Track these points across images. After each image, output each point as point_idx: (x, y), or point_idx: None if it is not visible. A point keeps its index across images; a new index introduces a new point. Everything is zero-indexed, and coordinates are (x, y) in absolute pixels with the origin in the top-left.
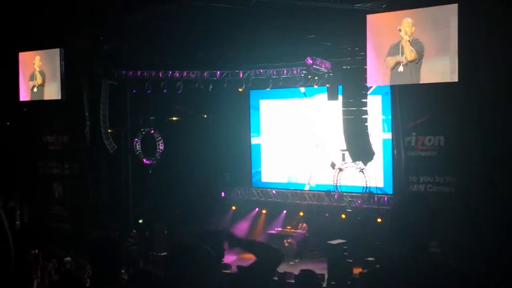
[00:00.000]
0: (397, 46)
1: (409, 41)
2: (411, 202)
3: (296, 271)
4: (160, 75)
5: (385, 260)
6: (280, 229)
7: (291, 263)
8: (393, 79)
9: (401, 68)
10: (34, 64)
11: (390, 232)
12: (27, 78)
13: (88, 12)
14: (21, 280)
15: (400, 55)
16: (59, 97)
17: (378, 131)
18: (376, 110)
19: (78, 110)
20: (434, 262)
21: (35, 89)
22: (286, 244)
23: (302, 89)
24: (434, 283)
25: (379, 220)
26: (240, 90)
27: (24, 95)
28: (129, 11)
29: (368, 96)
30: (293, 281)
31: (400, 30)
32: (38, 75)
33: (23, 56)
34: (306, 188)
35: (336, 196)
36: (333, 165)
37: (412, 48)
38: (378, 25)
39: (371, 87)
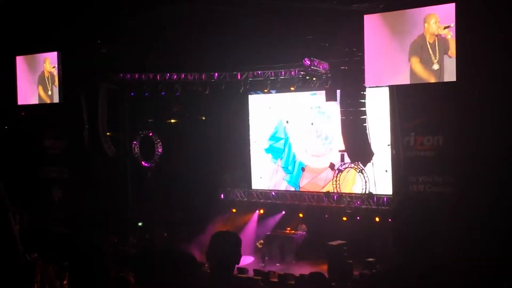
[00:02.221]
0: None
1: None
2: (410, 202)
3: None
4: (158, 77)
5: (386, 261)
6: (279, 230)
7: (261, 264)
8: (412, 78)
9: (435, 66)
10: (45, 69)
11: (393, 234)
12: (31, 81)
13: (85, 15)
14: (20, 284)
15: (436, 53)
16: (58, 101)
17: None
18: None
19: (77, 114)
20: (436, 263)
21: (49, 92)
22: (259, 246)
23: None
24: (436, 284)
25: (377, 219)
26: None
27: (28, 99)
28: (127, 13)
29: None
30: (293, 282)
31: (446, 27)
32: (50, 77)
33: (21, 60)
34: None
35: (335, 197)
36: (332, 166)
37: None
38: (375, 25)
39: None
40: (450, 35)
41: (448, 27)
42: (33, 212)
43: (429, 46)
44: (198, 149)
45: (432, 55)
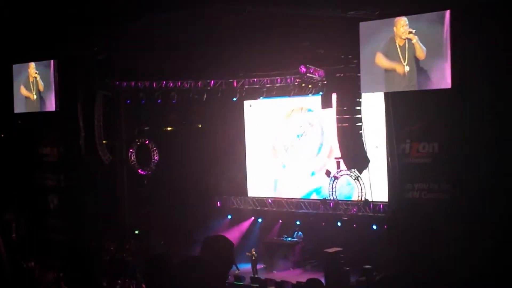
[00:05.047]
0: (395, 49)
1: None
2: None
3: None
4: (154, 85)
5: (383, 268)
6: (276, 238)
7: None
8: (388, 86)
9: (406, 68)
10: (30, 74)
11: (389, 241)
12: (23, 89)
13: (82, 22)
14: None
15: (401, 58)
16: (54, 109)
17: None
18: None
19: (73, 121)
20: (436, 269)
21: (34, 98)
22: (248, 254)
23: None
24: None
25: (374, 227)
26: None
27: (21, 107)
28: (124, 20)
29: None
30: None
31: (409, 32)
32: (39, 83)
33: (17, 68)
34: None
35: (331, 204)
36: (328, 173)
37: (421, 46)
38: (371, 32)
39: None
40: (415, 39)
41: (411, 32)
42: (30, 220)
43: (398, 49)
44: (194, 157)
45: (401, 57)
